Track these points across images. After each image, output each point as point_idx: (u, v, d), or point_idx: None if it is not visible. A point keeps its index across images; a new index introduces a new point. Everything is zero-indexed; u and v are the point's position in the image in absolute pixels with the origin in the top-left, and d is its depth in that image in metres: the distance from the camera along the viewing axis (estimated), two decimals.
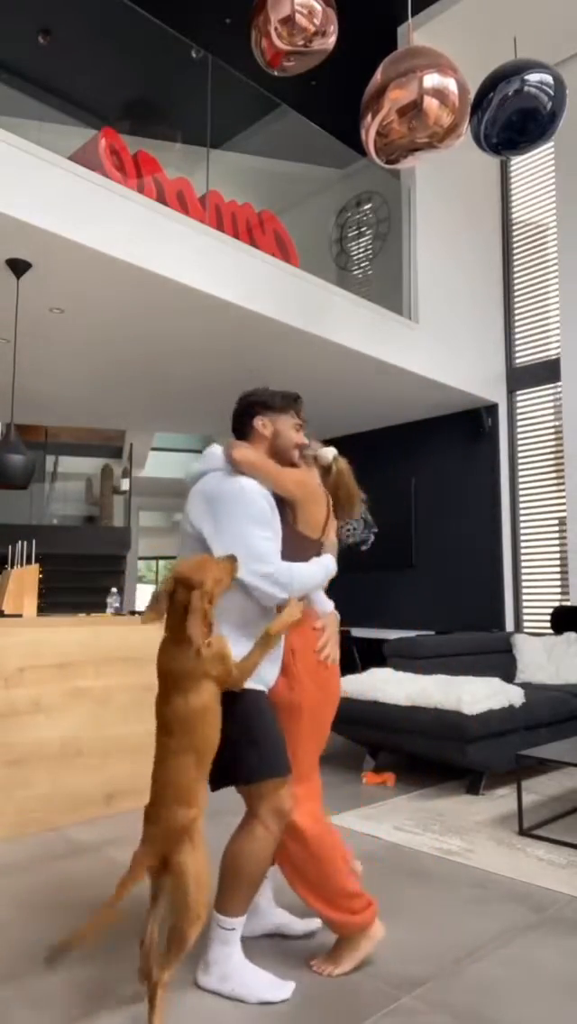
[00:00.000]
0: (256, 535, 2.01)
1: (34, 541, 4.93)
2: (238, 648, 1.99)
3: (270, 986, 1.98)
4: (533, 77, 3.78)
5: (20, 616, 3.81)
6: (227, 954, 1.98)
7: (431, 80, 3.16)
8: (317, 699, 2.20)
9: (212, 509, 2.06)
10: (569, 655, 5.35)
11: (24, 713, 3.38)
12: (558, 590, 6.74)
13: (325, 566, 2.16)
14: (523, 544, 7.02)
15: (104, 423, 8.50)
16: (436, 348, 6.43)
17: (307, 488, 2.24)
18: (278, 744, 2.04)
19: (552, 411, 6.94)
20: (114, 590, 5.23)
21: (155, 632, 3.87)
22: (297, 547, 2.16)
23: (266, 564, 2.00)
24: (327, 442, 2.55)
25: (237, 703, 1.98)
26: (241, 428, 2.30)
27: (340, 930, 2.12)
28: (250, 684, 2.01)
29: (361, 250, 7.25)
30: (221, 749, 1.93)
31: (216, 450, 2.17)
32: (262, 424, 2.26)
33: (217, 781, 2.02)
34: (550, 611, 6.53)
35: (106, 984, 2.05)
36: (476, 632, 5.70)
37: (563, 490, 6.73)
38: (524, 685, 5.19)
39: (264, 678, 2.06)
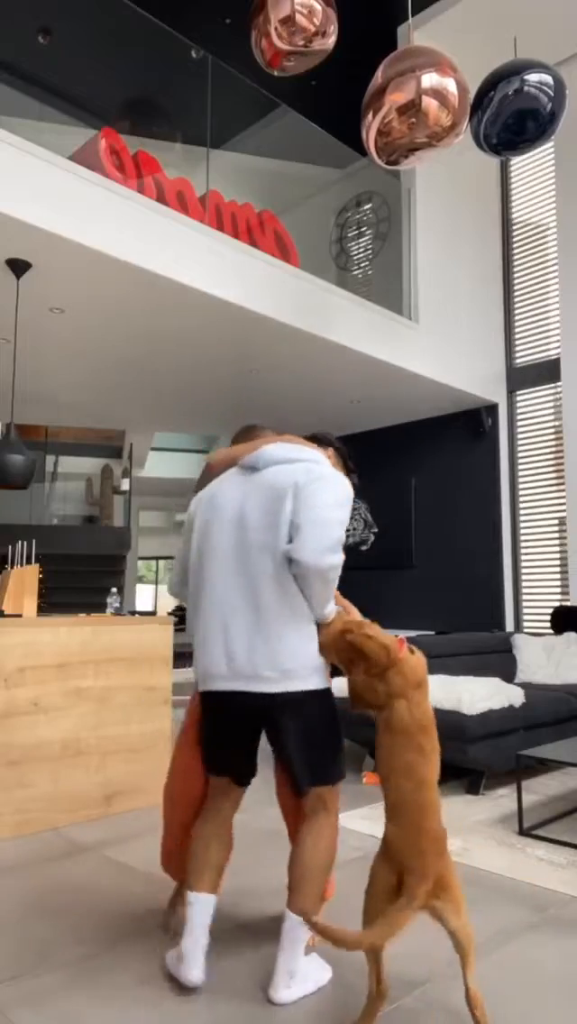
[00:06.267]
0: (339, 520, 1.97)
1: (34, 541, 4.92)
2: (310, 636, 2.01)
3: (322, 967, 2.06)
4: (533, 77, 3.79)
5: (20, 616, 3.81)
6: (298, 955, 1.97)
7: (429, 80, 3.16)
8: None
9: (300, 491, 1.99)
10: (569, 655, 5.35)
11: (24, 713, 3.38)
12: (558, 590, 6.74)
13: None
14: (523, 544, 7.01)
15: (104, 423, 8.50)
16: (436, 348, 6.43)
17: None
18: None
19: (552, 411, 6.94)
20: (114, 590, 5.22)
21: (154, 632, 3.88)
22: None
23: (337, 555, 1.95)
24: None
25: (326, 704, 2.04)
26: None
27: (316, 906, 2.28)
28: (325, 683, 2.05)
29: (361, 250, 7.25)
30: (312, 750, 2.02)
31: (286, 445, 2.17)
32: (327, 455, 2.33)
33: (305, 781, 2.07)
34: (550, 611, 6.53)
35: (106, 984, 2.05)
36: (476, 632, 5.70)
37: (563, 490, 6.73)
38: (524, 685, 5.19)
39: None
